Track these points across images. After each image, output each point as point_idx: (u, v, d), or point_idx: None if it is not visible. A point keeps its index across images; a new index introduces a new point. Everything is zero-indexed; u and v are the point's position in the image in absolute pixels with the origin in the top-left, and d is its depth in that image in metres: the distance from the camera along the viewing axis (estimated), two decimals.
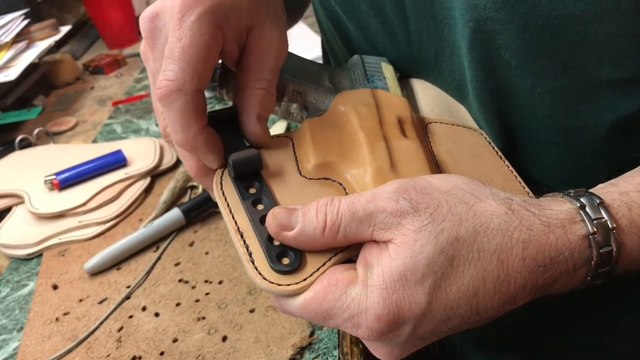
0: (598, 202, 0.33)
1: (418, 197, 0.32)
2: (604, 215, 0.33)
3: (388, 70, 0.50)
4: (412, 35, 0.47)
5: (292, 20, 0.71)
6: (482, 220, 0.32)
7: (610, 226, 0.33)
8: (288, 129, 0.78)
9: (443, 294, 0.31)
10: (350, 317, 0.32)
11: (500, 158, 0.45)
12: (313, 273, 0.34)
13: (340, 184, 0.40)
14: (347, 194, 0.39)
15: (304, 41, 1.06)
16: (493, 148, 0.45)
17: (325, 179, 0.40)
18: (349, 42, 0.54)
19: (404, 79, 0.51)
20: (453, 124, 0.47)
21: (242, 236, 0.36)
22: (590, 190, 0.35)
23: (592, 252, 0.32)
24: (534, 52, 0.39)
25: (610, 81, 0.38)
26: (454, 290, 0.31)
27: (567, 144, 0.42)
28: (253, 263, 0.34)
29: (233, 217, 0.37)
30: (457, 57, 0.44)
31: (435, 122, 0.47)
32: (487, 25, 0.39)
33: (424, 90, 0.50)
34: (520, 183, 0.43)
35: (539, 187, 0.41)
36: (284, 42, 0.41)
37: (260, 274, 0.34)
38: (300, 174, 0.40)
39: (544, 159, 0.43)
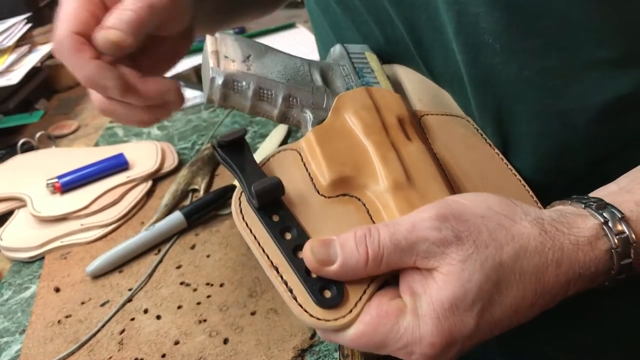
0: (620, 217, 0.35)
1: (458, 224, 0.33)
2: (625, 229, 0.35)
3: (373, 61, 0.49)
4: (395, 21, 0.47)
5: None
6: (521, 244, 0.33)
7: (630, 240, 0.34)
8: (288, 133, 0.78)
9: (489, 316, 0.33)
10: (404, 346, 0.33)
11: (490, 146, 0.45)
12: (357, 303, 0.34)
13: (359, 199, 0.40)
14: (367, 210, 0.39)
15: (305, 45, 1.06)
16: (482, 135, 0.46)
17: (344, 195, 0.40)
18: (338, 30, 0.54)
19: (385, 65, 0.51)
20: (442, 114, 0.47)
21: (278, 271, 0.35)
22: (607, 199, 0.36)
23: (613, 263, 0.35)
24: (517, 34, 0.39)
25: (597, 61, 0.39)
26: (499, 311, 0.33)
27: (558, 130, 0.42)
28: (296, 300, 0.34)
29: (264, 252, 0.36)
30: (439, 44, 0.45)
31: (427, 115, 0.47)
32: (470, 8, 0.40)
33: (407, 77, 0.50)
34: (515, 176, 0.44)
35: (530, 181, 0.43)
36: None
37: (306, 311, 0.34)
38: (319, 192, 0.39)
39: (535, 147, 0.44)
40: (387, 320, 0.33)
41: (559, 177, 0.41)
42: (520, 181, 0.43)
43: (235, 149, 0.40)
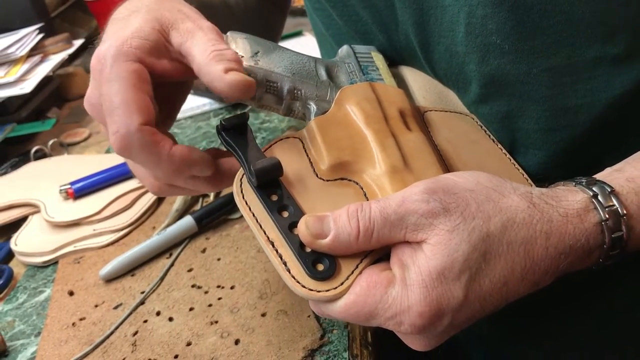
0: (609, 190, 0.36)
1: (446, 197, 0.34)
2: (615, 202, 0.35)
3: (379, 60, 0.51)
4: (400, 25, 0.48)
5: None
6: (509, 215, 0.34)
7: (620, 212, 0.35)
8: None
9: (478, 286, 0.33)
10: (393, 315, 0.33)
11: (493, 141, 0.46)
12: (349, 276, 0.35)
13: (357, 183, 0.41)
14: (365, 193, 0.40)
15: (312, 53, 1.07)
16: (485, 132, 0.47)
17: (342, 179, 0.41)
18: (340, 39, 0.55)
19: (392, 67, 0.52)
20: (446, 111, 0.48)
21: (273, 246, 0.36)
22: (598, 177, 0.37)
23: (605, 237, 0.35)
24: (525, 33, 0.40)
25: (603, 58, 0.40)
26: (487, 282, 0.33)
27: (566, 126, 0.43)
28: (289, 272, 0.35)
29: (261, 227, 0.37)
30: (443, 47, 0.46)
31: (430, 111, 0.48)
32: (479, 10, 0.41)
33: (413, 77, 0.51)
34: (514, 165, 0.45)
35: (537, 175, 0.44)
36: (202, 20, 0.43)
37: (298, 282, 0.35)
38: (317, 176, 0.41)
39: (543, 144, 0.45)
40: (376, 291, 0.34)
41: (565, 172, 0.42)
42: (524, 175, 0.44)
43: (238, 132, 0.42)
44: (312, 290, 0.35)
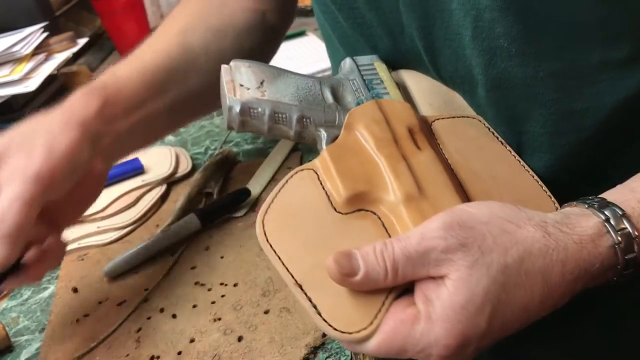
0: (620, 214, 0.36)
1: (463, 232, 0.35)
2: (627, 225, 0.36)
3: (382, 70, 0.51)
4: (406, 28, 0.48)
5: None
6: (525, 247, 0.35)
7: (632, 235, 0.36)
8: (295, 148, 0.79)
9: (500, 315, 0.34)
10: (422, 349, 0.34)
11: (502, 143, 0.46)
12: (377, 315, 0.36)
13: (375, 213, 0.41)
14: (383, 224, 0.41)
15: (315, 52, 1.08)
16: (493, 134, 0.47)
17: (359, 210, 0.41)
18: (345, 41, 0.56)
19: (393, 72, 0.52)
20: (453, 117, 0.48)
21: (301, 288, 0.37)
22: (607, 197, 0.38)
23: (618, 258, 0.36)
24: (531, 37, 0.40)
25: (607, 62, 0.40)
26: (509, 311, 0.34)
27: (572, 129, 0.43)
28: (320, 315, 0.36)
29: (288, 271, 0.37)
30: (449, 50, 0.46)
31: (437, 119, 0.48)
32: (486, 14, 0.41)
33: (416, 81, 0.51)
34: (524, 168, 0.45)
35: (542, 178, 0.44)
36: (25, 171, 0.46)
37: (330, 325, 0.36)
38: (335, 210, 0.41)
39: (549, 148, 0.45)
40: (404, 328, 0.35)
41: (571, 175, 0.42)
42: (534, 177, 0.44)
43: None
44: (344, 332, 0.35)
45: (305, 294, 0.37)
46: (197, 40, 0.60)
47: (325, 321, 0.36)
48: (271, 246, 0.39)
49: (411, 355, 0.35)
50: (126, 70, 0.55)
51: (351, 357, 0.47)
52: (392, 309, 0.36)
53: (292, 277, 0.37)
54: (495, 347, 0.38)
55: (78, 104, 0.51)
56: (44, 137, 0.48)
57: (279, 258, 0.38)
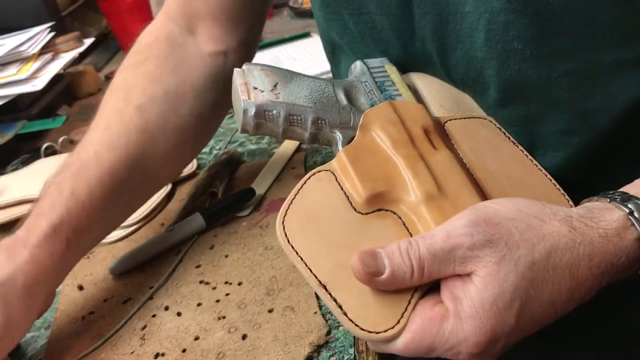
0: None
1: (489, 228, 0.35)
2: None
3: (393, 73, 0.51)
4: (417, 31, 0.49)
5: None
6: (552, 242, 0.35)
7: None
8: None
9: (528, 311, 0.34)
10: (451, 347, 0.35)
11: (514, 143, 0.47)
12: (403, 313, 0.36)
13: (395, 213, 0.41)
14: (404, 223, 0.41)
15: (320, 54, 1.08)
16: (505, 134, 0.47)
17: (379, 209, 0.41)
18: (355, 47, 0.56)
19: (403, 75, 0.52)
20: (464, 117, 0.48)
21: (326, 289, 0.37)
22: (628, 191, 0.38)
23: None
24: (546, 39, 0.41)
25: (621, 61, 0.41)
26: (537, 306, 0.35)
27: (585, 128, 0.43)
28: (346, 315, 0.36)
29: (312, 272, 0.38)
30: (461, 52, 0.46)
31: (450, 120, 0.48)
32: (500, 17, 0.41)
33: (426, 84, 0.52)
34: (537, 167, 0.45)
35: (554, 177, 0.44)
36: None
37: (357, 325, 0.36)
38: (355, 210, 0.41)
39: (562, 147, 0.45)
40: (432, 326, 0.35)
41: (585, 173, 0.42)
42: (547, 175, 0.44)
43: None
44: (371, 332, 0.35)
45: (330, 294, 0.37)
46: (154, 119, 0.56)
47: (352, 321, 0.36)
48: (293, 247, 0.39)
49: (439, 353, 0.35)
50: (85, 186, 0.52)
51: (354, 356, 0.47)
52: (419, 307, 0.36)
53: (316, 277, 0.37)
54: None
55: (42, 255, 0.48)
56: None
57: (302, 259, 0.38)
